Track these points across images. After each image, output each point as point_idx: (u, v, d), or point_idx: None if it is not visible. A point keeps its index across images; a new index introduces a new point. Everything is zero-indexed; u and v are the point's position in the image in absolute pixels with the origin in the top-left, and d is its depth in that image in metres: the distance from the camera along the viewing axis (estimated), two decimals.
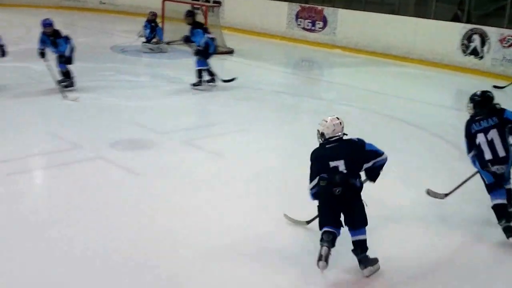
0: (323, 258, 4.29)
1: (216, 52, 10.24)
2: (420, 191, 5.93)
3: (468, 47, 13.00)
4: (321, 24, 15.83)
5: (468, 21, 13.30)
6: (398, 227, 5.42)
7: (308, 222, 5.17)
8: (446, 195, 5.74)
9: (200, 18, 14.71)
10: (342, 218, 4.51)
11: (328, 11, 15.64)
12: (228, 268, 4.56)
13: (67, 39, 9.69)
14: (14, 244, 4.81)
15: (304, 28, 16.22)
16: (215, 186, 6.20)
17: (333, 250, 4.39)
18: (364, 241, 4.45)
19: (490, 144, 5.09)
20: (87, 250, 4.76)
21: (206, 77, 10.24)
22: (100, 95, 9.69)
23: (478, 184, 5.44)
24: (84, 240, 4.92)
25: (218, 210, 5.59)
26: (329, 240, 4.36)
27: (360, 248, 4.44)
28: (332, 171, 4.40)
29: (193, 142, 7.82)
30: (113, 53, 13.59)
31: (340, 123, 4.61)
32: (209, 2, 16.14)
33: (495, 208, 5.12)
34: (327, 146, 4.53)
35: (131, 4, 19.89)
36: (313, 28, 16.02)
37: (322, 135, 4.58)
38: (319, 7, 15.88)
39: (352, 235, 4.46)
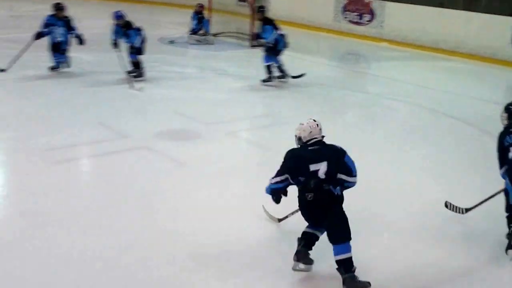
0: (295, 259, 4.16)
1: (287, 47, 10.00)
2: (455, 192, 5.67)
3: None
4: (368, 17, 15.63)
5: None
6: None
7: (280, 220, 5.05)
8: (468, 210, 5.13)
9: (245, 10, 14.82)
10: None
11: (376, 4, 15.42)
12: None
13: (138, 30, 9.95)
14: (60, 230, 4.91)
15: (351, 21, 16.05)
16: (258, 178, 6.19)
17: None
18: (347, 260, 4.03)
19: None
20: (130, 238, 4.82)
21: (276, 73, 10.13)
22: (148, 86, 9.82)
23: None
24: (127, 227, 4.99)
25: (259, 202, 5.59)
26: (303, 241, 4.21)
27: (343, 267, 4.04)
28: (310, 175, 4.11)
29: (237, 133, 7.88)
30: (161, 44, 13.73)
31: (317, 125, 4.35)
32: None
33: None
34: (309, 148, 4.26)
35: None
36: (360, 21, 15.83)
37: (299, 139, 4.34)
38: (367, 0, 15.68)
39: (334, 252, 4.05)
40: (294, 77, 10.17)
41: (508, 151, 4.57)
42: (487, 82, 11.60)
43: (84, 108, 8.51)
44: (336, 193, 4.13)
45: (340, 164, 4.18)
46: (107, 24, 12.64)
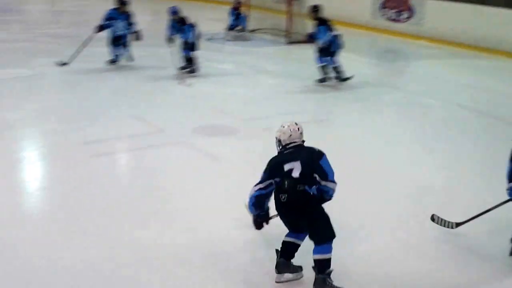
0: (276, 271, 4.07)
1: (342, 48, 9.66)
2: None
3: None
4: (407, 14, 15.42)
5: None
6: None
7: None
8: (458, 224, 4.76)
9: (282, 7, 14.80)
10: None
11: (415, 1, 15.22)
12: None
13: (191, 26, 10.08)
14: (98, 221, 5.00)
15: (389, 18, 15.87)
16: None
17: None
18: (324, 260, 3.95)
19: None
20: (166, 231, 4.89)
21: (332, 73, 9.88)
22: (178, 81, 9.92)
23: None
24: (163, 220, 5.07)
25: None
26: (282, 252, 4.11)
27: (317, 267, 3.96)
28: (285, 175, 3.99)
29: (273, 130, 7.85)
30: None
31: (298, 129, 4.22)
32: None
33: None
34: (285, 152, 4.15)
35: None
36: (398, 18, 15.65)
37: (279, 141, 4.22)
38: None
39: (313, 250, 3.98)
40: (342, 80, 9.86)
41: None
42: None
43: (125, 102, 8.68)
44: (311, 193, 3.98)
45: (315, 165, 4.01)
46: (147, 20, 12.89)
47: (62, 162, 6.39)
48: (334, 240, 3.97)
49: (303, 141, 4.22)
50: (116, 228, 4.89)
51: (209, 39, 13.89)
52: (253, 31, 14.62)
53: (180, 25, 10.04)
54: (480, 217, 4.71)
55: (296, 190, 3.95)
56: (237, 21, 14.05)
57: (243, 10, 14.37)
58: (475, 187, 5.96)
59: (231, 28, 14.04)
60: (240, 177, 6.09)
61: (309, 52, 13.35)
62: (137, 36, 10.46)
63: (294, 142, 4.16)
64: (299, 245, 4.14)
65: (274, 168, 4.08)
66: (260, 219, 4.16)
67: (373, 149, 7.07)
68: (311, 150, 4.14)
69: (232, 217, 5.10)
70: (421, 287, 4.22)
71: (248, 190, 5.67)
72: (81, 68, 10.40)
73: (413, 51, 14.17)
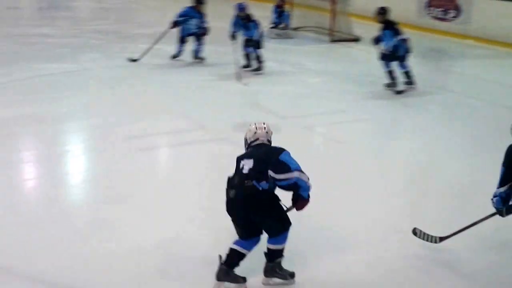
0: (216, 278, 3.96)
1: (409, 52, 9.16)
2: None
3: None
4: (453, 13, 15.11)
5: None
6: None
7: None
8: (442, 239, 4.48)
9: (325, 4, 14.69)
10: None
11: (463, 0, 14.91)
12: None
13: (256, 24, 10.14)
14: (139, 215, 5.07)
15: (435, 17, 15.58)
16: (332, 174, 6.16)
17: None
18: (276, 250, 4.01)
19: None
20: (208, 223, 4.93)
21: (401, 78, 9.42)
22: (227, 79, 9.94)
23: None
24: (202, 218, 5.10)
25: (333, 204, 5.55)
26: (226, 259, 3.98)
27: (269, 255, 4.03)
28: (238, 172, 3.99)
29: (314, 128, 7.86)
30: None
31: (265, 128, 4.20)
32: None
33: None
34: (247, 150, 4.17)
35: None
36: (444, 17, 15.35)
37: (245, 140, 4.22)
38: None
39: (267, 240, 4.03)
40: (411, 84, 9.45)
41: None
42: None
43: (171, 98, 8.75)
44: (260, 188, 3.89)
45: (272, 161, 3.91)
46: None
47: (106, 156, 6.50)
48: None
49: (270, 141, 4.21)
50: (161, 222, 4.94)
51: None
52: (296, 29, 14.56)
53: (245, 22, 10.05)
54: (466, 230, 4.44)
55: (244, 186, 3.90)
56: (280, 19, 14.01)
57: (286, 7, 14.32)
58: None
59: (274, 26, 14.01)
60: None
61: (354, 51, 13.34)
62: (204, 33, 10.58)
63: (257, 140, 4.16)
64: (245, 255, 4.01)
65: (236, 165, 4.07)
66: None
67: (417, 149, 6.98)
68: (271, 148, 4.12)
69: None
70: None
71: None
72: (129, 64, 10.57)
73: (459, 50, 13.87)
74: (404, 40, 9.03)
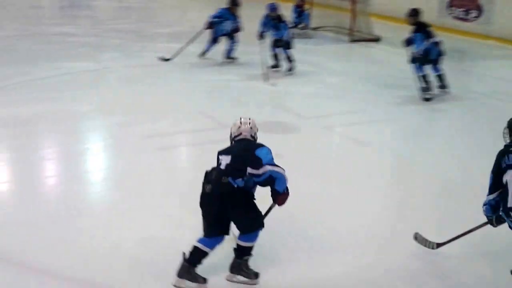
0: (178, 274, 3.95)
1: (443, 55, 8.87)
2: None
3: None
4: (475, 13, 14.96)
5: None
6: None
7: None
8: (439, 245, 4.40)
9: (345, 4, 14.61)
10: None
11: (485, 0, 14.74)
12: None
13: (287, 24, 10.19)
14: (158, 213, 5.06)
15: (456, 17, 15.43)
16: (356, 176, 6.11)
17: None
18: (245, 248, 4.01)
19: None
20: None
21: (436, 82, 9.18)
22: (254, 79, 9.93)
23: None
24: None
25: (347, 205, 5.49)
26: (189, 256, 3.97)
27: (237, 251, 4.04)
28: (216, 166, 4.04)
29: (334, 128, 7.82)
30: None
31: (249, 123, 4.22)
32: None
33: None
34: (231, 144, 4.20)
35: None
36: (466, 17, 15.19)
37: (230, 134, 4.23)
38: None
39: (238, 237, 4.04)
40: (445, 88, 9.21)
41: (504, 173, 3.85)
42: None
43: (192, 97, 8.76)
44: (236, 186, 3.89)
45: (249, 156, 3.92)
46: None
47: (126, 154, 6.52)
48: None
49: (253, 137, 4.21)
50: (179, 219, 4.94)
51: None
52: (315, 28, 14.51)
53: (276, 22, 10.05)
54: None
55: (221, 182, 3.90)
56: (300, 19, 13.96)
57: (306, 7, 14.27)
58: None
59: (294, 25, 13.96)
60: (301, 175, 6.06)
61: (374, 50, 13.26)
62: (235, 31, 10.69)
63: (240, 135, 4.17)
64: (207, 254, 4.01)
65: (216, 159, 4.09)
66: None
67: (438, 150, 6.91)
68: (250, 143, 4.12)
69: (293, 209, 5.09)
70: None
71: (305, 188, 5.64)
72: (149, 63, 10.61)
73: (481, 51, 13.71)
74: (436, 43, 8.72)
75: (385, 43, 13.80)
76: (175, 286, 3.96)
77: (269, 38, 10.28)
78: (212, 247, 4.02)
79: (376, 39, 13.95)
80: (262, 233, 4.04)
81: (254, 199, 4.02)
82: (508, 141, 3.99)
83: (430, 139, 7.55)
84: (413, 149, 7.05)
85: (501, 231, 4.06)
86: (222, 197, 3.91)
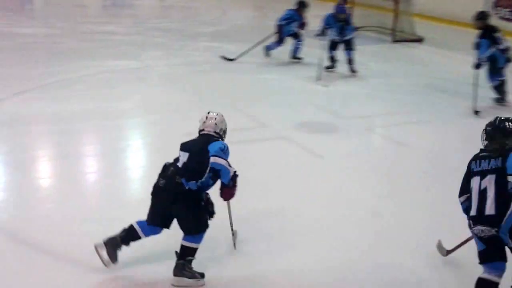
0: (104, 241, 4.04)
1: (509, 62, 8.26)
2: None
3: None
4: None
5: None
6: None
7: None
8: (448, 252, 4.32)
9: (388, 4, 14.44)
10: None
11: None
12: None
13: (352, 27, 10.22)
14: None
15: (502, 17, 15.08)
16: (396, 176, 6.05)
17: None
18: (188, 248, 3.98)
19: (481, 194, 3.63)
20: (263, 224, 4.91)
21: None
22: (288, 77, 9.96)
23: None
24: (253, 211, 5.11)
25: (390, 205, 5.45)
26: (123, 233, 4.07)
27: (180, 252, 4.01)
28: (174, 161, 4.07)
29: (374, 129, 7.75)
30: (306, 37, 13.79)
31: (215, 118, 4.21)
32: None
33: (479, 283, 3.61)
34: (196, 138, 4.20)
35: None
36: (489, 13, 14.81)
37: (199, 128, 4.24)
38: None
39: (182, 237, 4.02)
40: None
41: (471, 177, 3.77)
42: None
43: (232, 95, 8.78)
44: (187, 187, 3.91)
45: (204, 152, 3.93)
46: (249, 16, 12.80)
47: (165, 152, 6.53)
48: None
49: (218, 134, 4.19)
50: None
51: (317, 36, 13.85)
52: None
53: (343, 24, 9.99)
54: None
55: (174, 181, 3.93)
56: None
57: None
58: None
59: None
60: (340, 176, 6.05)
61: (417, 51, 13.07)
62: (299, 29, 10.80)
63: (203, 130, 4.18)
64: (139, 238, 4.09)
65: (179, 152, 4.11)
66: None
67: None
68: (209, 139, 4.06)
69: (318, 207, 5.07)
70: None
71: (345, 189, 5.60)
72: (190, 61, 10.69)
73: None
74: (504, 50, 8.14)
75: (428, 43, 13.60)
76: (96, 249, 4.04)
77: (328, 38, 10.13)
78: (147, 234, 4.10)
79: (419, 40, 13.75)
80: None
81: (203, 202, 4.04)
82: (483, 144, 3.90)
83: (472, 143, 7.37)
84: (453, 153, 6.92)
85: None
86: (172, 195, 3.95)
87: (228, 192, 4.06)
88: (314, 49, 10.32)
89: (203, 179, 3.94)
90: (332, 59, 10.28)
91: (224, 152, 3.97)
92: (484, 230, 3.54)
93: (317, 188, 5.69)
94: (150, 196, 4.08)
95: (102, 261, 4.06)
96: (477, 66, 8.20)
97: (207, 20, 16.10)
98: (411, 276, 4.22)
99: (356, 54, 10.19)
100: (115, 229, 4.54)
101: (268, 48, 10.88)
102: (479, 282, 3.58)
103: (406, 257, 4.45)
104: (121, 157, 6.54)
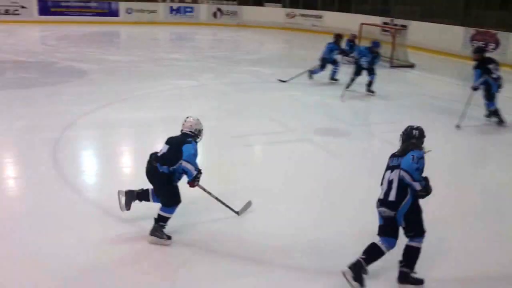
0: (123, 194, 4.28)
1: (499, 89, 7.80)
2: None
3: None
4: (493, 45, 14.21)
5: None
6: None
7: (239, 213, 4.62)
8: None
9: (387, 38, 14.21)
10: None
11: (501, 35, 13.98)
12: None
13: (379, 56, 9.94)
14: (239, 196, 5.01)
15: None
16: None
17: None
18: (162, 216, 4.07)
19: (389, 184, 3.63)
20: (284, 218, 4.88)
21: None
22: (308, 93, 9.86)
23: None
24: (278, 208, 5.02)
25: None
26: (139, 191, 4.30)
27: (156, 218, 4.10)
28: (156, 152, 4.16)
29: (379, 135, 7.63)
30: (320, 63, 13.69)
31: (192, 121, 4.29)
32: (397, 25, 15.46)
33: (371, 246, 3.62)
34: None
35: (336, 26, 19.80)
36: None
37: None
38: (493, 32, 14.27)
39: (159, 208, 4.11)
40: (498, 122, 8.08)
41: (385, 170, 3.75)
42: None
43: (269, 108, 8.73)
44: (160, 170, 4.02)
45: (178, 149, 4.02)
46: (280, 47, 12.60)
47: (218, 150, 6.62)
48: None
49: (193, 133, 4.24)
50: (256, 209, 4.91)
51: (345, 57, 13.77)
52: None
53: (375, 55, 9.76)
54: None
55: (152, 165, 4.06)
56: (351, 50, 13.69)
57: (356, 41, 13.99)
58: None
59: (346, 55, 13.71)
60: (346, 168, 5.99)
61: (409, 74, 12.85)
62: (344, 55, 11.03)
63: (183, 130, 4.24)
64: (148, 200, 4.29)
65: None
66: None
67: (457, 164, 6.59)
68: (185, 139, 4.12)
69: (336, 193, 5.01)
70: None
71: (358, 184, 5.49)
72: (236, 80, 10.70)
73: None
74: (496, 79, 7.70)
75: (418, 69, 13.35)
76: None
77: (355, 64, 9.93)
78: (154, 201, 4.25)
79: (412, 66, 13.52)
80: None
81: (174, 182, 4.09)
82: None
83: (453, 148, 7.22)
84: (436, 154, 6.77)
85: None
86: (151, 175, 4.10)
87: (191, 184, 4.12)
88: (341, 74, 10.29)
89: (174, 167, 4.03)
90: (352, 81, 9.96)
91: (194, 155, 4.06)
92: (385, 211, 3.58)
93: (332, 178, 5.65)
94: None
95: (120, 204, 4.27)
96: (474, 89, 7.83)
97: (248, 50, 16.11)
98: None
99: (361, 76, 10.04)
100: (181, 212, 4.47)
101: (312, 73, 10.75)
102: (371, 245, 3.64)
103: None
104: None
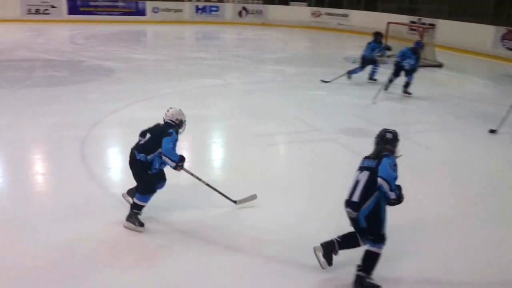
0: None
1: None
2: None
3: None
4: None
5: None
6: None
7: (236, 202, 4.72)
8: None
9: (415, 37, 13.97)
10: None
11: None
12: None
13: (419, 58, 9.73)
14: (264, 193, 5.05)
15: (509, 48, 14.34)
16: (422, 175, 5.86)
17: None
18: (136, 204, 4.19)
19: (355, 184, 3.65)
20: (305, 216, 4.85)
21: None
22: (338, 94, 9.79)
23: None
24: (303, 207, 5.03)
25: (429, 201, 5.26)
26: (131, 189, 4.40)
27: (132, 205, 4.24)
28: (139, 140, 4.24)
29: (404, 135, 7.48)
30: (345, 62, 13.58)
31: (172, 111, 4.38)
32: (425, 24, 15.21)
33: (347, 234, 3.72)
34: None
35: (362, 25, 19.63)
36: None
37: None
38: None
39: (135, 196, 4.24)
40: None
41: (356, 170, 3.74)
42: None
43: (295, 107, 8.70)
44: (138, 158, 4.13)
45: (159, 139, 4.10)
46: (304, 46, 12.57)
47: (242, 148, 6.64)
48: None
49: (173, 122, 4.32)
50: (277, 199, 4.95)
51: (353, 62, 13.60)
52: (390, 56, 13.97)
53: (417, 56, 9.55)
54: None
55: (133, 153, 4.16)
56: (379, 49, 13.51)
57: (383, 40, 13.80)
58: None
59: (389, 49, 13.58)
60: None
61: (438, 74, 12.62)
62: (382, 52, 10.81)
63: (165, 119, 4.35)
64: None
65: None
66: None
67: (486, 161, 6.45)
68: (165, 129, 4.21)
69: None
70: None
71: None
72: (261, 79, 10.70)
73: None
74: None
75: (447, 68, 13.11)
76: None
77: (395, 66, 9.72)
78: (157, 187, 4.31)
79: (440, 65, 13.28)
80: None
81: (151, 171, 4.17)
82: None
83: (485, 154, 7.06)
84: (459, 155, 6.65)
85: None
86: (130, 162, 4.21)
87: (175, 170, 4.23)
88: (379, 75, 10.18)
89: (151, 156, 4.13)
90: (391, 82, 9.78)
91: (173, 148, 4.14)
92: (350, 212, 3.61)
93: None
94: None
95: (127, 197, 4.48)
96: None
97: (272, 49, 16.08)
98: None
99: (386, 75, 9.91)
100: (197, 205, 4.53)
101: (351, 73, 10.67)
102: (352, 233, 3.70)
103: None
104: (208, 151, 6.63)
